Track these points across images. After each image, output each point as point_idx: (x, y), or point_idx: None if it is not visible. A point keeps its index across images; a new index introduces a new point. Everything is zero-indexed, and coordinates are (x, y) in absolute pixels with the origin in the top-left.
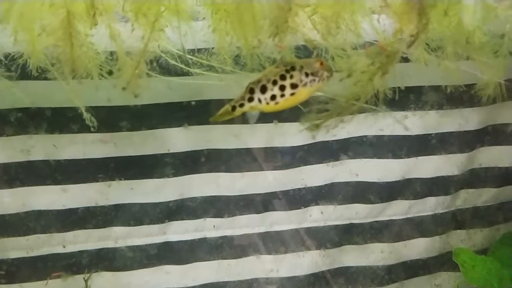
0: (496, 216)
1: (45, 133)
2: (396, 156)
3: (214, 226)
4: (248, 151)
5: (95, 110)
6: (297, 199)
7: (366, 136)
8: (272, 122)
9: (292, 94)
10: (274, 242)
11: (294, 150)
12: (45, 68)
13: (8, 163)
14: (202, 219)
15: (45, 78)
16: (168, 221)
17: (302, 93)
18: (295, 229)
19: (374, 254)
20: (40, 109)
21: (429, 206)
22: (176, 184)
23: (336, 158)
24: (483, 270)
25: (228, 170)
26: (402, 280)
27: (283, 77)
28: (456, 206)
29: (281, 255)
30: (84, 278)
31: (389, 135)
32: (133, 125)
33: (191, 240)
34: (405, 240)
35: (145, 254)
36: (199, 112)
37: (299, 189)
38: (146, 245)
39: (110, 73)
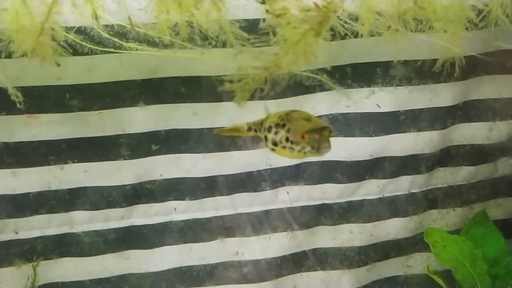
0: (470, 195)
1: None
2: (364, 134)
3: (175, 210)
4: (210, 130)
5: (43, 89)
6: (262, 180)
7: (332, 114)
8: (233, 100)
9: (272, 149)
10: (239, 225)
11: None
12: None
13: None
14: (163, 203)
15: None
16: (127, 205)
17: (282, 153)
18: (261, 211)
19: (345, 235)
20: None
21: (403, 185)
22: (133, 167)
23: None
24: (455, 250)
25: (189, 151)
26: (373, 262)
27: (269, 129)
28: (430, 185)
29: (247, 238)
30: (32, 266)
31: (356, 112)
32: (85, 104)
33: (152, 224)
34: (378, 220)
35: (103, 239)
36: (155, 90)
37: (264, 170)
38: (106, 230)
39: None
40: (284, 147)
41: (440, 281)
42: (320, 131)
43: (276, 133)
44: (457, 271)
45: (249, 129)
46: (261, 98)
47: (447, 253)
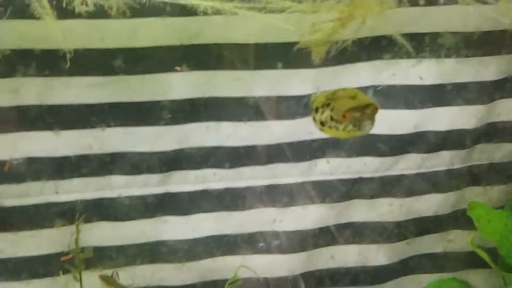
0: None
1: (36, 75)
2: (408, 106)
3: (215, 176)
4: (252, 98)
5: (87, 52)
6: (303, 150)
7: (375, 84)
8: (276, 68)
9: (321, 129)
10: (278, 195)
11: (300, 98)
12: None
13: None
14: (202, 170)
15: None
16: (167, 171)
17: (329, 132)
18: (301, 182)
19: (383, 209)
20: (30, 50)
21: (444, 160)
22: (174, 132)
23: None
24: (499, 224)
25: (230, 118)
26: (413, 236)
27: (317, 110)
28: (472, 160)
29: (285, 208)
30: (76, 224)
31: (401, 84)
32: (128, 68)
33: (192, 191)
34: (417, 195)
35: (143, 204)
36: (199, 55)
37: (305, 140)
38: (144, 195)
39: None
40: (330, 127)
41: (484, 255)
42: (363, 109)
43: (322, 112)
44: (502, 246)
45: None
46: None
47: (491, 227)
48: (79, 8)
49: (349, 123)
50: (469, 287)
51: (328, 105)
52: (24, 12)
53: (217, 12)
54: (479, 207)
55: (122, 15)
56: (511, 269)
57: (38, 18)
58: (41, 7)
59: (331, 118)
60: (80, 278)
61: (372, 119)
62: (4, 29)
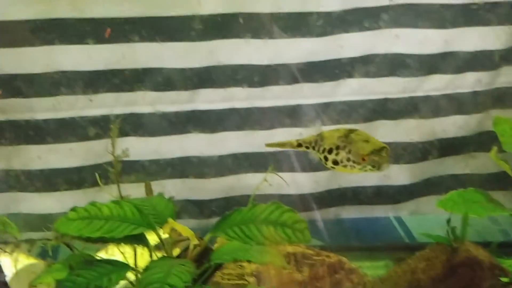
0: None
1: None
2: (435, 25)
3: (242, 96)
4: (281, 15)
5: None
6: (329, 70)
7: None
8: None
9: (332, 167)
10: (304, 115)
11: (329, 15)
12: None
13: (34, 19)
14: (230, 88)
15: None
16: (196, 89)
17: (342, 170)
18: (326, 102)
19: (408, 130)
20: None
21: (469, 82)
22: (205, 49)
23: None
24: None
25: (258, 36)
26: (436, 157)
27: (330, 151)
28: (498, 84)
29: (307, 128)
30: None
31: (428, 2)
32: None
33: (219, 109)
34: (441, 116)
35: (172, 120)
36: None
37: (331, 59)
38: (173, 112)
39: None
40: (345, 166)
41: (506, 167)
42: (379, 152)
43: (337, 154)
44: None
45: (299, 145)
46: None
47: None
48: None
49: (368, 164)
50: (491, 200)
51: (343, 147)
52: None
53: None
54: (504, 122)
55: None
56: None
57: None
58: None
59: (348, 159)
60: (118, 183)
61: (388, 161)
62: None
